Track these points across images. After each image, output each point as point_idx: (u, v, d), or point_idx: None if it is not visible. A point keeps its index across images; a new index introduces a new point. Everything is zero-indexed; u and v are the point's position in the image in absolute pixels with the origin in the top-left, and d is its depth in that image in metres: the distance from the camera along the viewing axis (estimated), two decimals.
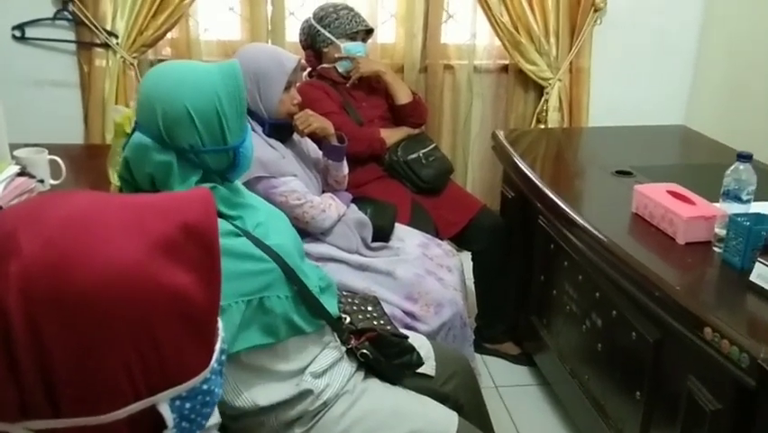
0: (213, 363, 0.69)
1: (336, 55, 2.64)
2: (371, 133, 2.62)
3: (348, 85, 2.67)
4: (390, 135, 2.67)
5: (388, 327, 1.63)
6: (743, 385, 1.37)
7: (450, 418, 1.57)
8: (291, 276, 1.45)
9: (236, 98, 1.39)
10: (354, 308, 1.64)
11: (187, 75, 1.38)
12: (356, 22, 2.64)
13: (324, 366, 1.50)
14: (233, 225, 1.40)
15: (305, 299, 1.47)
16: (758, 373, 1.32)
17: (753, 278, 1.55)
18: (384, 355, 1.56)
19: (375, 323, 1.62)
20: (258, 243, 1.42)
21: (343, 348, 1.55)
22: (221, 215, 1.39)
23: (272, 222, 1.52)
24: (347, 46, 2.63)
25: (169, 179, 1.36)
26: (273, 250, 1.44)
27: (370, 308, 1.68)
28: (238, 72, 1.40)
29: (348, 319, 1.59)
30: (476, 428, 1.67)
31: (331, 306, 1.55)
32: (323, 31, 2.63)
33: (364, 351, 1.54)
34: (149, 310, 0.63)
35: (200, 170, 1.38)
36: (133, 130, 1.40)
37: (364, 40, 2.69)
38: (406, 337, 1.64)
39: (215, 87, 1.37)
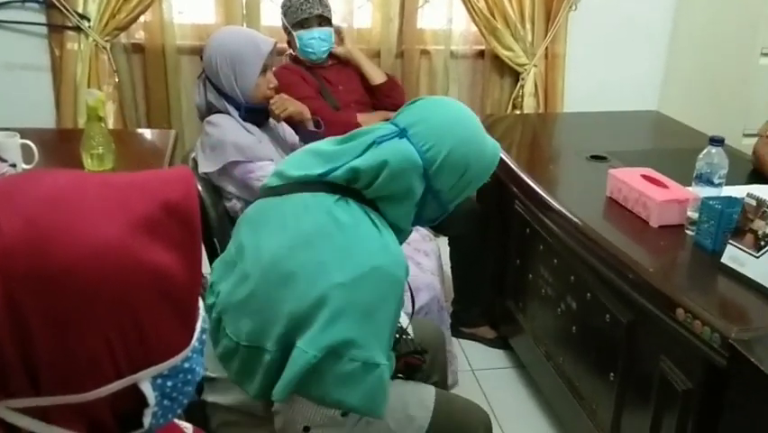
0: (194, 341, 0.69)
1: (295, 47, 2.62)
2: (348, 117, 2.61)
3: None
4: (367, 120, 2.66)
5: (410, 339, 1.62)
6: (714, 365, 1.40)
7: (428, 392, 1.59)
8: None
9: (484, 177, 1.41)
10: None
11: (478, 133, 1.39)
12: (302, 9, 2.56)
13: None
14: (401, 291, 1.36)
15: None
16: (729, 353, 1.35)
17: (724, 260, 1.58)
18: (414, 373, 1.58)
19: (405, 338, 1.60)
20: None
21: None
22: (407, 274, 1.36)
23: None
24: (300, 35, 2.59)
25: (400, 204, 1.35)
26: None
27: (399, 326, 1.67)
28: (498, 158, 1.42)
29: None
30: (452, 395, 1.69)
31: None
32: (283, 19, 2.63)
33: (400, 375, 1.55)
34: (130, 288, 0.63)
35: (414, 212, 1.37)
36: (396, 134, 1.34)
37: (321, 25, 2.60)
38: (426, 351, 1.63)
39: (486, 157, 1.39)
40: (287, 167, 1.45)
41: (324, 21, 2.61)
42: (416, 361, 1.60)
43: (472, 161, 1.36)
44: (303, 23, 2.58)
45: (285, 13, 2.62)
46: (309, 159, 1.43)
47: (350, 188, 1.35)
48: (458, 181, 1.36)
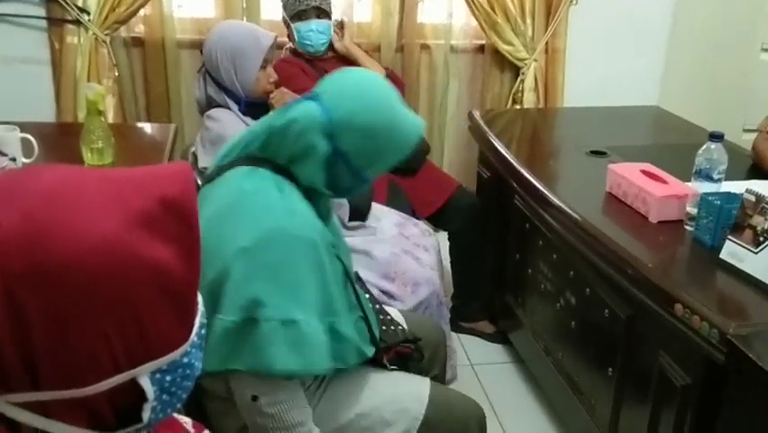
0: (193, 336, 0.70)
1: (293, 39, 2.61)
2: None
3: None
4: None
5: (401, 330, 1.64)
6: (712, 360, 1.40)
7: (422, 384, 1.59)
8: (358, 300, 1.47)
9: (403, 150, 1.41)
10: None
11: (390, 99, 1.39)
12: (300, 1, 2.56)
13: None
14: (327, 256, 1.38)
15: (362, 324, 1.47)
16: (727, 349, 1.35)
17: (723, 255, 1.58)
18: (407, 364, 1.58)
19: (391, 331, 1.62)
20: (337, 263, 1.43)
21: None
22: (329, 244, 1.38)
23: (342, 242, 1.55)
24: (297, 27, 2.59)
25: (306, 163, 1.36)
26: (349, 274, 1.46)
27: (389, 318, 1.68)
28: (420, 134, 1.42)
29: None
30: (447, 388, 1.70)
31: (376, 329, 1.54)
32: (283, 12, 2.62)
33: (394, 367, 1.57)
34: (128, 283, 0.63)
35: (325, 174, 1.38)
36: (309, 98, 1.39)
37: (319, 17, 2.59)
38: (419, 339, 1.65)
39: (400, 127, 1.38)
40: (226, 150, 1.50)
41: (323, 13, 2.61)
42: (407, 349, 1.60)
43: (379, 129, 1.36)
44: (301, 15, 2.57)
45: (284, 6, 2.62)
46: (246, 136, 1.47)
47: (264, 158, 1.39)
48: (365, 146, 1.37)
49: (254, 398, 1.33)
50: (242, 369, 1.30)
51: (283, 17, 2.64)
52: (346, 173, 1.40)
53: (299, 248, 1.32)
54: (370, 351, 1.47)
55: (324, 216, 1.44)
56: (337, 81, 1.42)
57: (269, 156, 1.39)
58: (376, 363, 1.54)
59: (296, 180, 1.38)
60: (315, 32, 2.59)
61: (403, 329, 1.65)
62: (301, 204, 1.37)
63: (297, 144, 1.36)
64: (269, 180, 1.36)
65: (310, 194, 1.40)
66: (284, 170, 1.38)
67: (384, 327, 1.63)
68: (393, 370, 1.56)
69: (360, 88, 1.40)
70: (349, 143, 1.36)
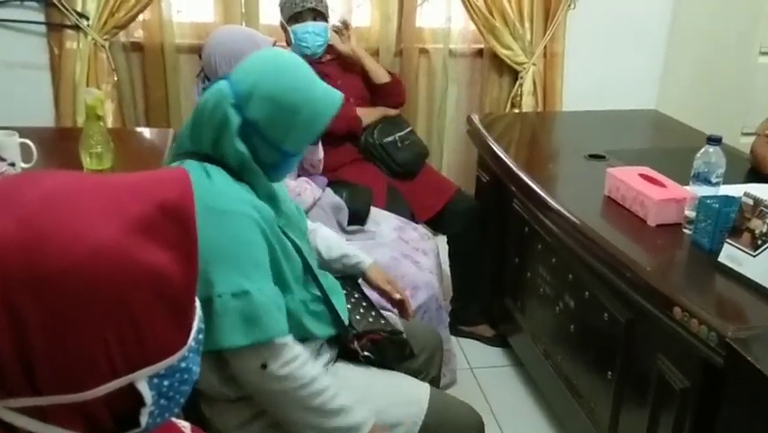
0: (190, 341, 0.70)
1: (291, 42, 2.61)
2: (346, 110, 2.60)
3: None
4: (366, 113, 2.66)
5: (383, 322, 1.64)
6: (711, 364, 1.40)
7: (422, 389, 1.59)
8: (313, 279, 1.49)
9: (320, 119, 1.41)
10: (350, 306, 1.63)
11: (299, 71, 1.42)
12: (296, 3, 2.55)
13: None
14: (265, 225, 1.40)
15: (320, 304, 1.50)
16: (726, 352, 1.35)
17: (721, 259, 1.58)
18: (384, 355, 1.58)
19: (371, 320, 1.62)
20: (284, 240, 1.44)
21: (336, 348, 1.58)
22: (257, 209, 1.39)
23: (294, 226, 1.55)
24: (294, 30, 2.58)
25: (224, 138, 1.38)
26: (299, 247, 1.47)
27: (365, 305, 1.68)
28: (337, 102, 1.44)
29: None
30: (447, 395, 1.70)
31: (342, 311, 1.55)
32: (280, 16, 2.62)
33: (367, 353, 1.57)
34: (126, 289, 0.63)
35: (247, 147, 1.39)
36: (221, 78, 1.42)
37: (315, 19, 2.58)
38: (401, 332, 1.66)
39: (312, 97, 1.39)
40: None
41: (319, 15, 2.59)
42: (377, 336, 1.59)
43: (284, 98, 1.36)
44: (297, 18, 2.56)
45: (281, 9, 2.62)
46: (178, 133, 1.53)
47: (192, 151, 1.42)
48: (274, 116, 1.37)
49: (263, 366, 1.35)
50: (217, 348, 1.33)
51: (281, 21, 2.64)
52: (264, 146, 1.40)
53: (233, 222, 1.35)
54: (325, 331, 1.49)
55: (269, 197, 1.45)
56: (247, 60, 1.44)
57: (196, 148, 1.42)
58: (346, 350, 1.56)
59: (226, 165, 1.40)
60: (311, 34, 2.58)
61: (386, 322, 1.65)
62: (230, 184, 1.39)
63: (213, 120, 1.38)
64: (195, 168, 1.38)
65: (246, 177, 1.41)
66: (211, 158, 1.41)
67: (363, 314, 1.63)
68: (366, 357, 1.56)
69: (264, 61, 1.42)
70: (256, 112, 1.37)
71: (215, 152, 1.40)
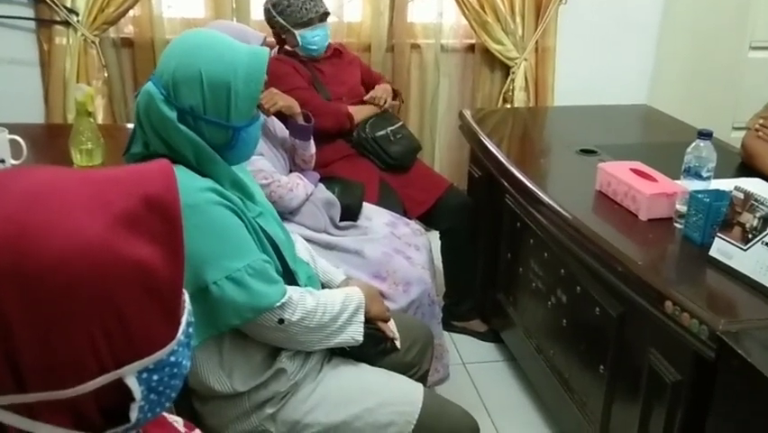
0: (179, 335, 0.69)
1: (295, 44, 2.58)
2: (338, 107, 2.60)
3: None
4: (358, 111, 2.66)
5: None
6: (702, 357, 1.41)
7: (416, 389, 1.59)
8: (286, 271, 1.49)
9: (254, 82, 1.39)
10: None
11: (214, 42, 1.39)
12: (306, 9, 2.51)
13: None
14: (234, 206, 1.41)
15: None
16: (717, 345, 1.35)
17: (712, 253, 1.58)
18: (362, 346, 1.57)
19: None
20: (260, 232, 1.45)
21: None
22: (223, 195, 1.39)
23: (269, 216, 1.55)
24: (302, 34, 2.55)
25: (170, 134, 1.37)
26: (275, 242, 1.48)
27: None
28: (265, 59, 1.40)
29: None
30: (441, 397, 1.70)
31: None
32: (278, 18, 2.55)
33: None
34: (111, 283, 0.63)
35: (195, 135, 1.37)
36: (149, 79, 1.41)
37: (321, 20, 2.57)
38: (378, 329, 1.65)
39: (237, 62, 1.37)
40: None
41: (324, 15, 2.59)
42: None
43: (205, 68, 1.35)
44: (307, 23, 2.54)
45: (281, 12, 2.54)
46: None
47: (147, 155, 1.41)
48: (207, 95, 1.36)
49: (281, 321, 1.42)
50: (221, 331, 1.40)
51: (277, 22, 2.56)
52: (211, 128, 1.39)
53: (205, 213, 1.36)
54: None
55: (234, 184, 1.45)
56: (164, 52, 1.42)
57: (151, 151, 1.41)
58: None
59: (186, 164, 1.39)
60: (320, 37, 2.58)
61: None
62: (194, 179, 1.37)
63: (151, 122, 1.38)
64: None
65: (206, 169, 1.40)
66: (169, 158, 1.38)
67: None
68: (342, 349, 1.59)
69: (177, 46, 1.40)
70: (188, 98, 1.36)
71: (171, 150, 1.38)
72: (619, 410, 1.81)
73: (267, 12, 2.60)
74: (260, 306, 1.39)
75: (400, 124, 2.73)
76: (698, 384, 1.48)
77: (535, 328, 2.30)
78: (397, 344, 1.69)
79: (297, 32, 2.55)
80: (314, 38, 2.57)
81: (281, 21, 2.55)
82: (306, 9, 2.52)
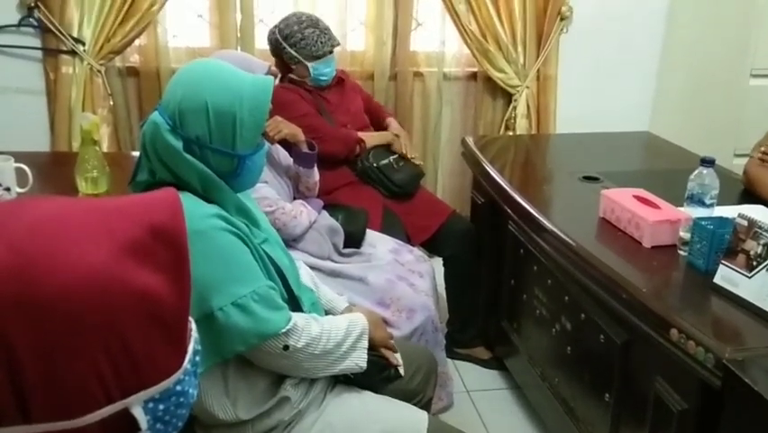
0: (186, 363, 0.69)
1: (305, 75, 2.60)
2: (348, 133, 2.62)
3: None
4: (370, 137, 2.68)
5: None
6: (708, 385, 1.39)
7: (420, 417, 1.58)
8: (290, 297, 1.50)
9: (259, 111, 1.40)
10: None
11: (220, 72, 1.41)
12: (321, 43, 2.54)
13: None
14: (240, 232, 1.41)
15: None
16: (723, 373, 1.34)
17: (717, 280, 1.58)
18: (366, 373, 1.57)
19: None
20: (265, 258, 1.45)
21: None
22: (229, 221, 1.40)
23: (274, 242, 1.56)
24: (315, 67, 2.57)
25: (177, 164, 1.38)
26: (280, 268, 1.48)
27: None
28: (270, 88, 1.42)
29: None
30: (446, 424, 1.68)
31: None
32: (289, 49, 2.56)
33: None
34: (117, 313, 0.63)
35: (202, 164, 1.39)
36: (155, 108, 1.42)
37: (331, 52, 2.60)
38: (382, 356, 1.65)
39: (242, 92, 1.38)
40: None
41: (334, 47, 2.62)
42: None
43: (210, 98, 1.36)
44: (321, 56, 2.57)
45: (294, 45, 2.54)
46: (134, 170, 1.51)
47: (155, 183, 1.42)
48: (213, 125, 1.37)
49: (285, 348, 1.42)
50: (223, 359, 1.40)
51: (288, 54, 2.57)
52: (217, 157, 1.40)
53: (211, 239, 1.36)
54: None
55: (239, 210, 1.46)
56: (169, 82, 1.44)
57: (157, 179, 1.42)
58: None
59: (193, 191, 1.40)
60: (331, 68, 2.62)
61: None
62: (200, 205, 1.38)
63: (157, 152, 1.39)
64: None
65: (212, 196, 1.41)
66: (176, 186, 1.40)
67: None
68: (346, 377, 1.58)
69: (183, 77, 1.42)
70: (194, 128, 1.37)
71: (177, 178, 1.39)
72: None
73: (276, 42, 2.59)
74: (265, 332, 1.38)
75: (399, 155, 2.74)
76: (704, 413, 1.47)
77: (540, 356, 2.29)
78: (401, 371, 1.68)
79: (309, 65, 2.56)
80: (326, 69, 2.60)
81: (292, 53, 2.56)
82: (321, 43, 2.55)
